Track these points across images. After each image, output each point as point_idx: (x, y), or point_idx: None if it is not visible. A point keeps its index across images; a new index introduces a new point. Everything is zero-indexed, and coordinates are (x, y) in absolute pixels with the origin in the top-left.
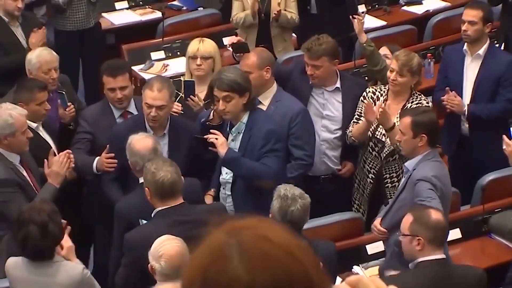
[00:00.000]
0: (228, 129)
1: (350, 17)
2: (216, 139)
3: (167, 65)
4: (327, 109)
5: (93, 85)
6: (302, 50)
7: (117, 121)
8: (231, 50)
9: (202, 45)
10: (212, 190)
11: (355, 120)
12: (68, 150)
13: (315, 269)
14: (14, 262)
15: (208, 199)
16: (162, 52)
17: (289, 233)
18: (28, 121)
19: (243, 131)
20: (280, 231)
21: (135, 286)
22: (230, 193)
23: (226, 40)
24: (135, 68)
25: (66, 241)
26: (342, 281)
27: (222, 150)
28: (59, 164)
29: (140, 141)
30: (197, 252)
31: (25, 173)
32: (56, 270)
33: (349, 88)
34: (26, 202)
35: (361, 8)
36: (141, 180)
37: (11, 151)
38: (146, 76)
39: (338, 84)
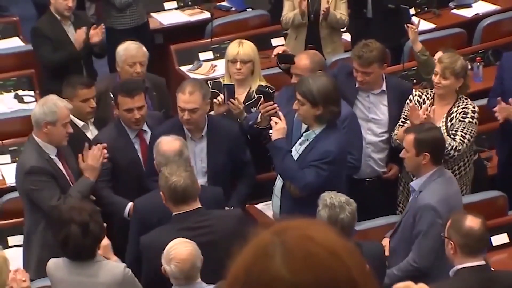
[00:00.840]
0: (303, 131)
1: (405, 25)
2: (276, 123)
3: (215, 65)
4: (372, 112)
5: None
6: (352, 57)
7: (133, 141)
8: (277, 60)
9: (242, 49)
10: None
11: (401, 123)
12: (103, 144)
13: (360, 270)
14: (54, 263)
15: None
16: (211, 52)
17: (336, 234)
18: (75, 119)
19: (310, 141)
20: (326, 232)
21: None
22: (279, 195)
23: (275, 41)
24: (183, 68)
25: (103, 240)
26: None
27: (274, 135)
28: (93, 157)
29: (168, 143)
30: (242, 251)
31: (61, 166)
32: (97, 270)
33: (395, 91)
34: (59, 193)
35: (410, 11)
36: None
37: (49, 142)
38: (194, 76)
39: (384, 87)
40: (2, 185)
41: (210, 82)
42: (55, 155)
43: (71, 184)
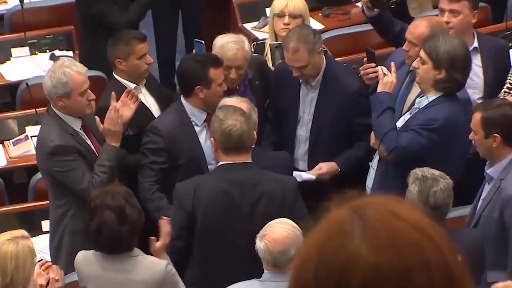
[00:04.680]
0: (418, 97)
1: None
2: (385, 74)
3: None
4: None
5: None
6: None
7: (198, 132)
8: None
9: (291, 1)
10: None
11: (507, 90)
12: (118, 104)
13: (453, 255)
14: (84, 256)
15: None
16: None
17: (422, 213)
18: (126, 82)
19: (421, 107)
20: (412, 209)
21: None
22: (375, 168)
23: None
24: (247, 26)
25: (166, 237)
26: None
27: (380, 87)
28: (109, 120)
29: (234, 103)
30: (315, 229)
31: (88, 141)
32: (134, 266)
33: (489, 49)
34: (89, 171)
35: None
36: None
37: (69, 114)
38: (259, 35)
39: (475, 44)
40: (36, 160)
41: (253, 45)
42: (80, 128)
43: None
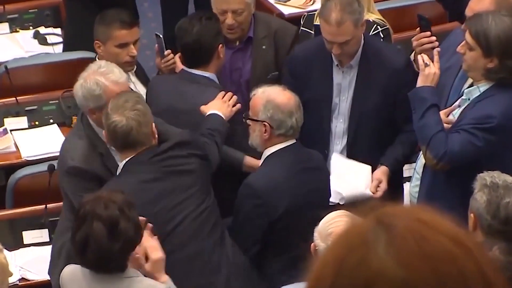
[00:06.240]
0: (465, 88)
1: None
2: (427, 64)
3: None
4: None
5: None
6: None
7: None
8: None
9: None
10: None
11: None
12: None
13: (491, 266)
14: (70, 273)
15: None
16: None
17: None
18: None
19: (471, 99)
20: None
21: None
22: (419, 176)
23: None
24: None
25: (155, 251)
26: None
27: (420, 80)
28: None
29: (281, 94)
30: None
31: None
32: None
33: None
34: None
35: None
36: (267, 152)
37: (102, 127)
38: (284, 10)
39: None
40: (17, 159)
41: (303, 16)
42: None
43: None
